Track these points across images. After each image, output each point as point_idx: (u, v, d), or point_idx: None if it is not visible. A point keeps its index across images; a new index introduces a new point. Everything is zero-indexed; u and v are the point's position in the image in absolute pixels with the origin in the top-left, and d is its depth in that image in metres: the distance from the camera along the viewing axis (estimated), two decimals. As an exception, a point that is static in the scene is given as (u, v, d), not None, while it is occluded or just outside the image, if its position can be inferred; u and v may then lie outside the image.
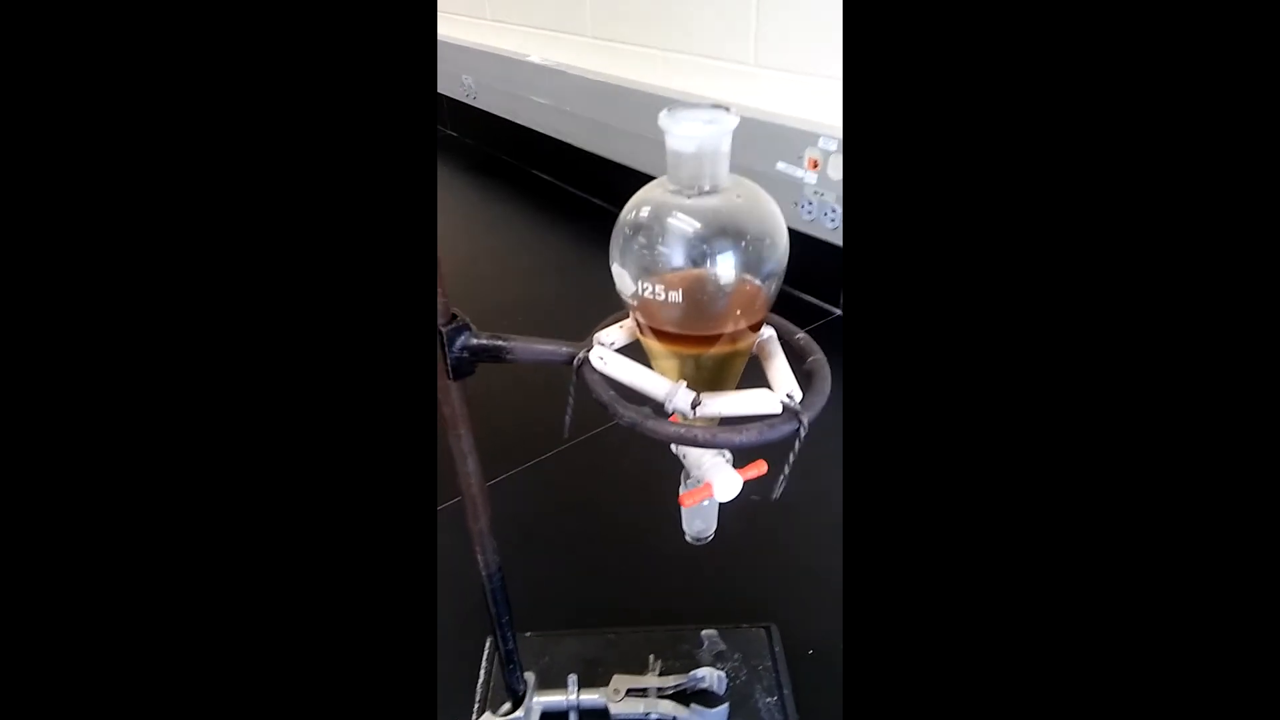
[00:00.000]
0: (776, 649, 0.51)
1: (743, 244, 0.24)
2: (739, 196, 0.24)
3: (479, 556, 0.37)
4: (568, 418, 0.30)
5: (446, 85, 1.61)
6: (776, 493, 0.27)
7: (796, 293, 0.92)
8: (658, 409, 0.27)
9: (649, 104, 1.01)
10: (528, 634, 0.53)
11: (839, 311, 0.89)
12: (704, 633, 0.52)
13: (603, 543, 0.61)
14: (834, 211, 0.80)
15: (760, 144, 0.83)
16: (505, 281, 1.05)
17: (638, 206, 0.25)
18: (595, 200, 1.27)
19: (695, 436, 0.25)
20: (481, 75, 1.48)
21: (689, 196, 0.24)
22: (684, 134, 0.23)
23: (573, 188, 1.35)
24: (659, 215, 0.24)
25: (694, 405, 0.26)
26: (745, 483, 0.29)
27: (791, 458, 0.26)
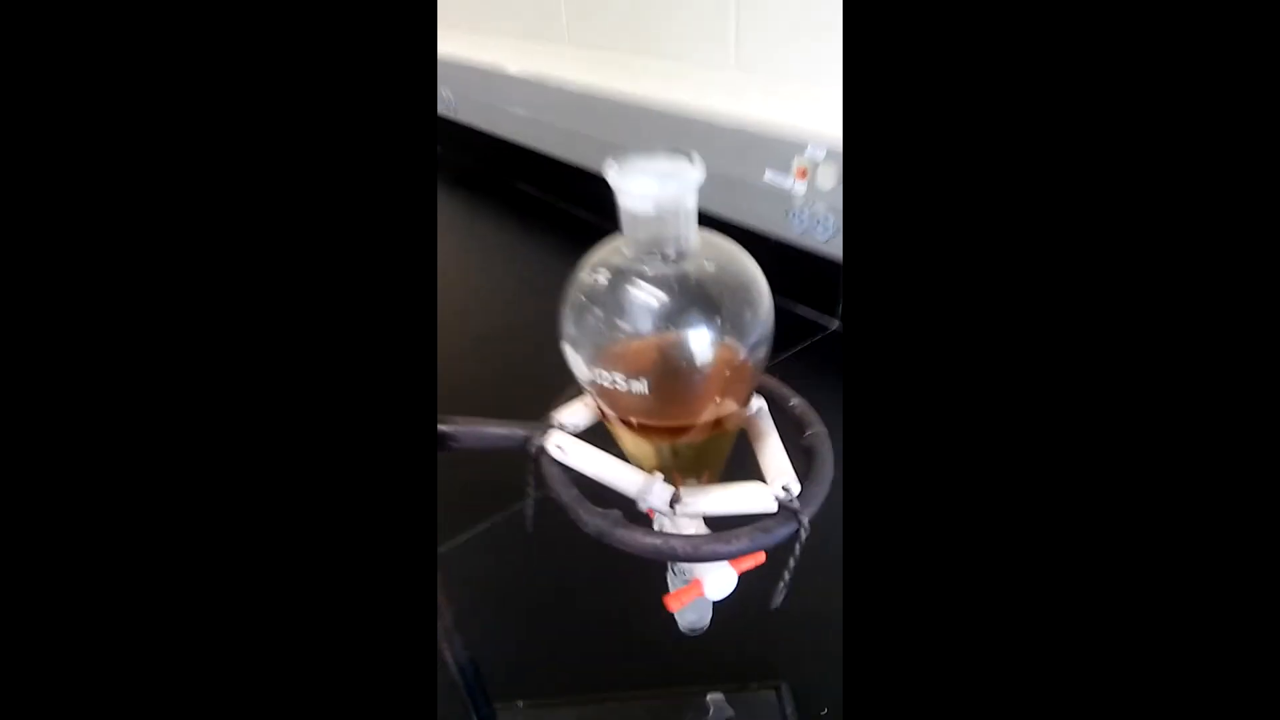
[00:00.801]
0: (788, 711, 0.47)
1: (718, 318, 0.20)
2: (710, 260, 0.20)
3: (446, 653, 0.33)
4: (529, 509, 0.25)
5: (424, 101, 1.56)
6: (776, 601, 0.23)
7: (791, 305, 0.88)
8: (631, 505, 0.23)
9: (626, 114, 0.97)
10: (519, 703, 0.48)
11: (836, 324, 0.85)
12: (710, 698, 0.47)
13: (595, 598, 0.57)
14: (826, 222, 0.75)
15: (746, 154, 0.79)
16: (489, 306, 1.01)
17: (591, 273, 0.21)
18: (578, 213, 1.23)
19: (675, 550, 0.20)
20: (459, 88, 1.44)
21: (650, 264, 0.20)
22: (639, 193, 0.19)
23: (557, 200, 1.31)
24: (616, 286, 0.20)
25: (672, 503, 0.22)
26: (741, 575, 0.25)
27: (792, 563, 0.22)
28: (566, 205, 1.28)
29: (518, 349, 0.89)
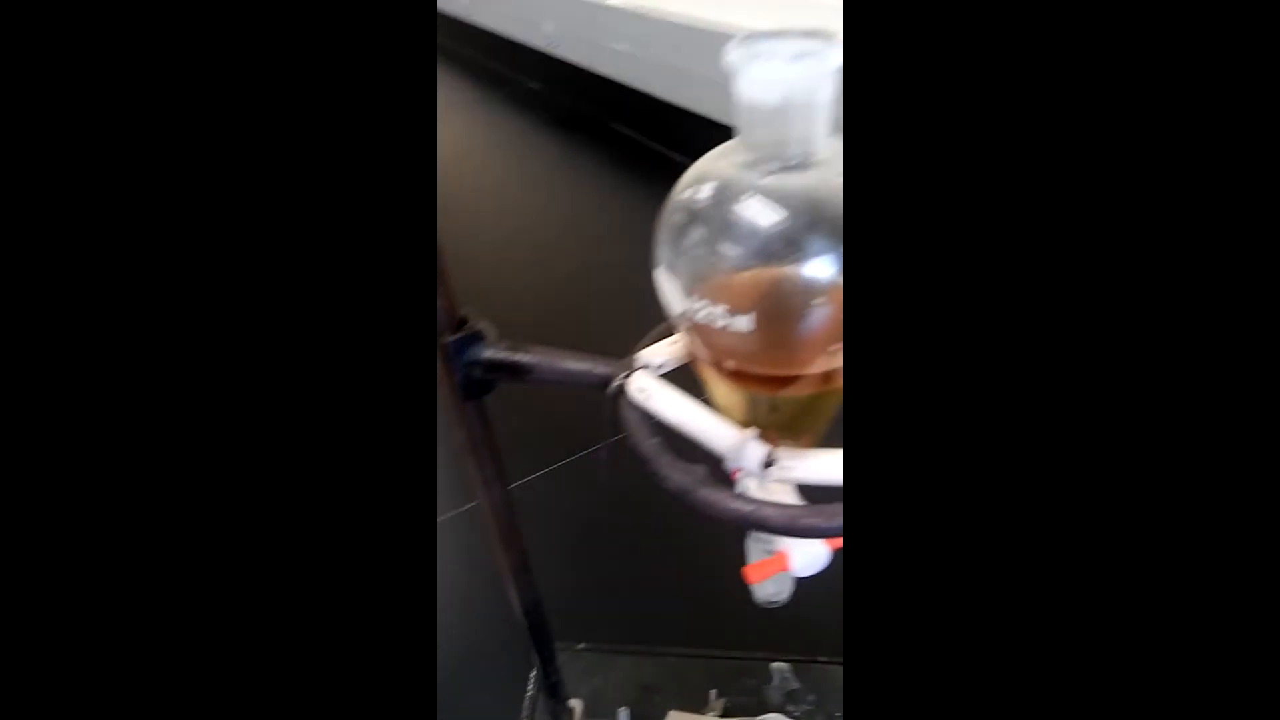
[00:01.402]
0: (861, 693, 0.44)
1: (844, 245, 0.16)
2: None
3: (511, 593, 0.32)
4: (604, 456, 0.23)
5: (527, 34, 1.54)
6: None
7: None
8: (718, 464, 0.20)
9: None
10: (580, 646, 0.48)
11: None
12: (774, 666, 0.45)
13: (668, 549, 0.55)
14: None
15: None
16: (579, 246, 1.00)
17: (694, 186, 0.17)
18: (675, 156, 1.18)
19: (768, 519, 0.17)
20: (561, 22, 1.40)
21: (769, 171, 0.16)
22: (762, 78, 0.15)
23: (655, 143, 1.26)
24: (724, 199, 0.17)
25: (767, 465, 0.19)
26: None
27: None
28: (664, 149, 1.23)
29: (605, 292, 0.87)
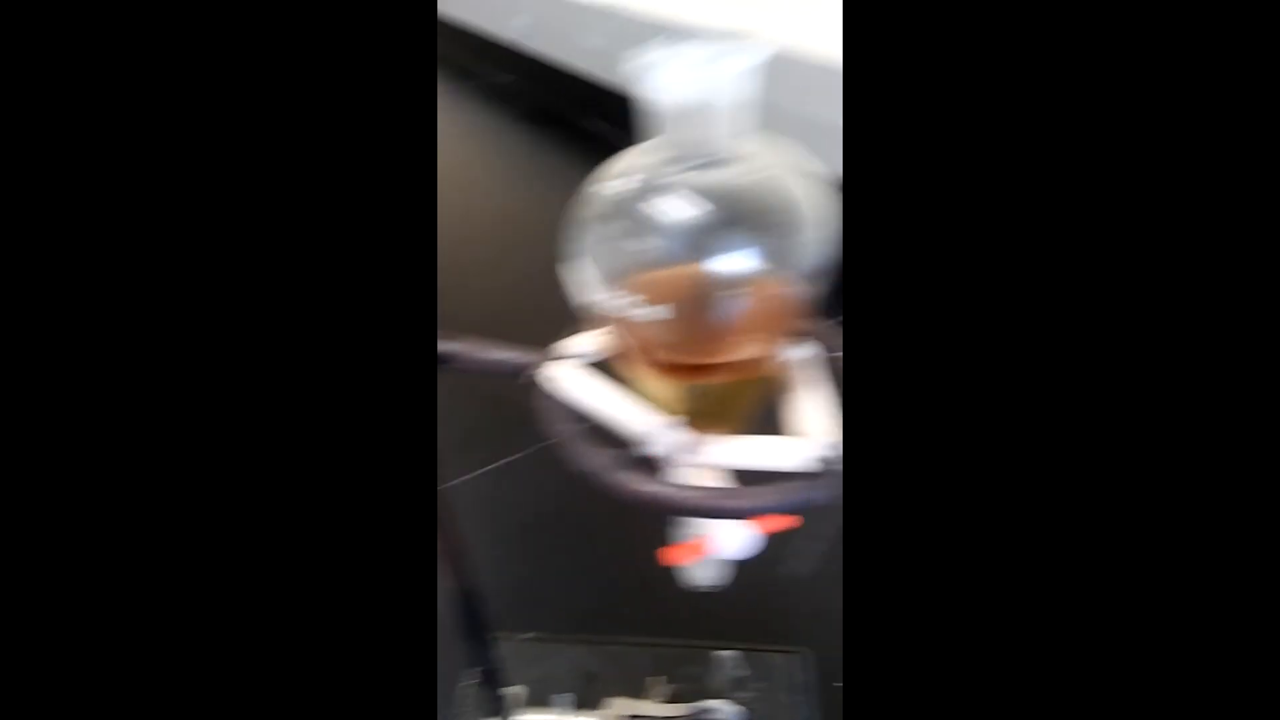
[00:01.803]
0: (806, 678, 0.45)
1: (763, 234, 0.17)
2: (756, 171, 0.17)
3: (448, 580, 0.32)
4: (533, 448, 0.23)
5: (498, 26, 1.52)
6: (798, 569, 0.20)
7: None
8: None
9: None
10: (527, 635, 0.48)
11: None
12: (721, 654, 0.46)
13: (615, 536, 0.56)
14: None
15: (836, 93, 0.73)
16: (546, 245, 0.99)
17: (614, 180, 0.18)
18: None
19: (678, 500, 0.18)
20: (532, 13, 1.39)
21: (689, 166, 0.17)
22: (675, 79, 0.16)
23: (628, 140, 1.26)
24: (639, 195, 0.17)
25: (684, 449, 0.20)
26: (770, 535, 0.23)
27: (818, 531, 0.19)
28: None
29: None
